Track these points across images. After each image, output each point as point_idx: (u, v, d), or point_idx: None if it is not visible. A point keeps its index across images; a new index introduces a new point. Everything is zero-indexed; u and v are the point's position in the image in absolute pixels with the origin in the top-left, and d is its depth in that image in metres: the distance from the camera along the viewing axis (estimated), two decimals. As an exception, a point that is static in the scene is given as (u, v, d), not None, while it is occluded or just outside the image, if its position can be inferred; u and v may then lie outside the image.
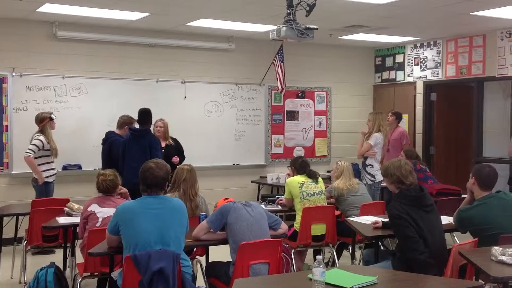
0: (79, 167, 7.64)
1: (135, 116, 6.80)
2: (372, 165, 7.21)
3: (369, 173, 7.20)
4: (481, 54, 8.35)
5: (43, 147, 6.45)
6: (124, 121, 6.91)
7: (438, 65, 8.96)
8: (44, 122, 6.54)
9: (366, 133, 7.42)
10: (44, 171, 6.52)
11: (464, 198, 4.66)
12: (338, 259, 5.76)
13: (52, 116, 6.63)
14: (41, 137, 6.45)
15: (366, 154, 7.25)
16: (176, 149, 7.37)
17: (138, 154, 6.23)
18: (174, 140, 7.44)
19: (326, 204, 5.68)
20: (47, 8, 6.65)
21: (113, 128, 7.06)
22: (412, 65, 9.41)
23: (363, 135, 7.45)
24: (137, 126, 6.73)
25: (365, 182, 7.01)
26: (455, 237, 6.11)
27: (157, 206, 3.74)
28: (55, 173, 6.70)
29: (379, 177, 7.15)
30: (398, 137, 8.21)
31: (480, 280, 3.64)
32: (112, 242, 3.85)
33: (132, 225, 3.66)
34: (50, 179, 6.59)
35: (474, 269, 3.64)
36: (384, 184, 7.06)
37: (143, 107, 6.73)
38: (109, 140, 6.88)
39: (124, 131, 6.84)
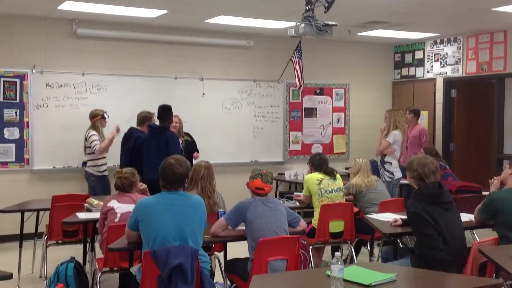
0: (98, 163, 7.68)
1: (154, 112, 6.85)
2: (390, 163, 7.16)
3: (387, 170, 7.15)
4: (502, 50, 8.25)
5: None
6: (144, 118, 6.91)
7: (459, 61, 8.86)
8: (95, 118, 6.97)
9: (384, 129, 7.37)
10: (101, 165, 6.97)
11: (485, 196, 4.65)
12: (357, 256, 5.74)
13: (105, 115, 7.02)
14: (95, 132, 6.88)
15: (385, 151, 7.20)
16: (193, 144, 7.40)
17: (156, 151, 6.26)
18: (188, 134, 7.46)
19: (344, 201, 5.66)
20: (67, 6, 6.72)
21: (132, 124, 7.09)
22: (432, 62, 9.32)
23: (381, 132, 7.41)
24: (157, 122, 6.76)
25: (383, 179, 6.97)
26: (475, 234, 6.05)
27: (176, 202, 3.75)
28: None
29: (397, 174, 7.12)
30: (418, 134, 8.17)
31: (500, 278, 3.61)
32: (131, 238, 3.87)
33: (151, 220, 3.68)
34: (106, 172, 7.07)
35: (494, 267, 3.61)
36: (403, 181, 7.07)
37: (164, 104, 6.75)
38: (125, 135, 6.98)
39: (145, 127, 6.84)
